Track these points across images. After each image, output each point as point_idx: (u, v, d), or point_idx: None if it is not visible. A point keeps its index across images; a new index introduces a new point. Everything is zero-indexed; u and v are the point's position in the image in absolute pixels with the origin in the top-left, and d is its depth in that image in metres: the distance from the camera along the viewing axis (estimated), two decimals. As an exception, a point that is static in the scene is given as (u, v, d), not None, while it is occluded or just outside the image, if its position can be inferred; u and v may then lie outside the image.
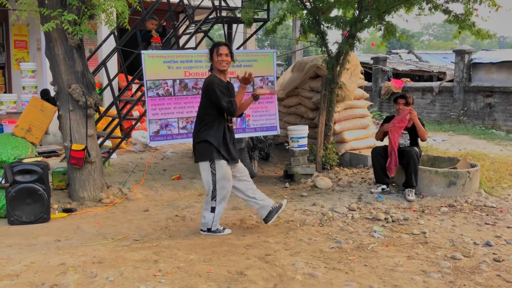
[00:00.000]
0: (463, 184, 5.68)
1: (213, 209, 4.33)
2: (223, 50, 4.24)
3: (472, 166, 6.01)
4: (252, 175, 6.83)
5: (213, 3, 7.87)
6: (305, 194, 5.94)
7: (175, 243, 4.16)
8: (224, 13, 8.13)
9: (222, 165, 4.26)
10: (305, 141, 6.74)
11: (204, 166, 4.30)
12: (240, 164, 4.49)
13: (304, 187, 6.31)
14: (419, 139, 6.00)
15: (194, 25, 8.46)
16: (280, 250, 4.01)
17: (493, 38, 7.03)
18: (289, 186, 6.37)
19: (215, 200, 4.31)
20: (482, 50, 14.17)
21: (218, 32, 30.14)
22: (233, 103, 4.22)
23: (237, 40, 9.54)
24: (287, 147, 7.04)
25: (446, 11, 6.79)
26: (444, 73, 15.44)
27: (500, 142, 9.33)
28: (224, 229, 4.48)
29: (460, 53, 12.56)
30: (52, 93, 5.83)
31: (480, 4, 6.61)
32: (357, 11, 6.98)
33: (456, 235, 4.47)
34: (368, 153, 6.90)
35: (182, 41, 8.38)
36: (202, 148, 4.28)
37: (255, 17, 7.81)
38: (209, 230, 4.40)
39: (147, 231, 4.56)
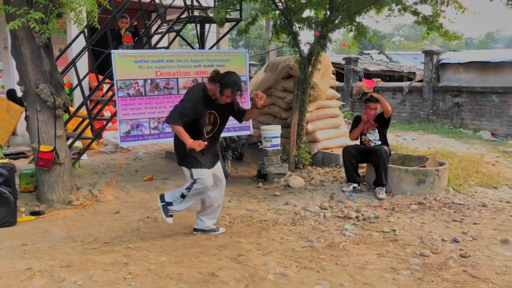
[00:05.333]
0: (432, 182, 5.80)
1: (182, 195, 4.25)
2: (235, 94, 4.13)
3: (441, 164, 6.15)
4: (226, 175, 6.81)
5: (185, 3, 7.81)
6: (278, 194, 5.96)
7: (146, 245, 4.11)
8: (196, 13, 8.09)
9: (201, 171, 4.19)
10: (278, 141, 6.77)
11: (184, 170, 4.29)
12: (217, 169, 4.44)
13: (277, 186, 6.33)
14: (387, 138, 6.14)
15: (166, 24, 8.39)
16: (252, 250, 4.01)
17: (460, 39, 7.20)
18: (262, 186, 6.38)
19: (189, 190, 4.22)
20: (450, 51, 14.50)
21: (192, 31, 29.91)
22: (179, 120, 4.03)
23: (210, 39, 9.51)
24: (260, 147, 7.04)
25: (415, 13, 6.92)
26: (414, 73, 15.73)
27: (468, 141, 9.56)
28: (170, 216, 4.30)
29: (429, 54, 12.82)
30: (19, 93, 5.67)
31: (447, 6, 6.77)
32: (328, 12, 7.04)
33: (425, 232, 4.56)
34: (339, 152, 6.97)
35: (154, 40, 8.30)
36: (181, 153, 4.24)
37: (228, 17, 7.81)
38: (168, 203, 4.28)
39: (117, 233, 4.49)
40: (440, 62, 12.72)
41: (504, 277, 3.51)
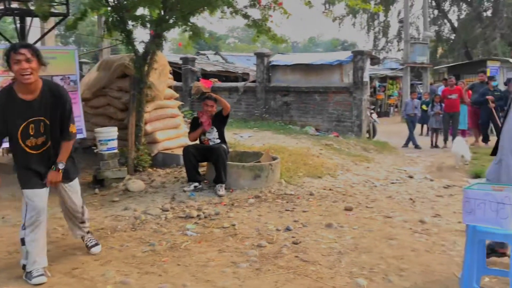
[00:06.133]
0: (267, 176, 6.19)
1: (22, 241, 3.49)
2: (22, 55, 3.22)
3: (274, 159, 6.60)
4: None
5: (-1, -8, 6.96)
6: (116, 199, 5.70)
7: (-41, 271, 3.55)
8: (15, 4, 7.27)
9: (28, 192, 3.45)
10: (114, 144, 6.47)
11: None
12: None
13: (115, 191, 6.06)
14: (225, 136, 6.38)
15: (-24, 15, 7.36)
16: (89, 261, 3.76)
17: (287, 43, 7.83)
18: (99, 192, 6.04)
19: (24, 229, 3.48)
20: (279, 53, 15.64)
21: (11, 25, 26.80)
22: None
23: (33, 35, 8.65)
24: (95, 150, 6.65)
25: (246, 16, 7.28)
26: (248, 74, 16.59)
27: (296, 136, 10.45)
28: (40, 275, 3.41)
29: (260, 56, 13.65)
30: None
31: (274, 11, 7.27)
32: (162, 11, 6.97)
33: (262, 223, 4.84)
34: (180, 152, 6.97)
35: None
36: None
37: (53, 10, 7.18)
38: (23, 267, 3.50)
39: None
40: (270, 64, 13.63)
41: (328, 258, 3.92)
